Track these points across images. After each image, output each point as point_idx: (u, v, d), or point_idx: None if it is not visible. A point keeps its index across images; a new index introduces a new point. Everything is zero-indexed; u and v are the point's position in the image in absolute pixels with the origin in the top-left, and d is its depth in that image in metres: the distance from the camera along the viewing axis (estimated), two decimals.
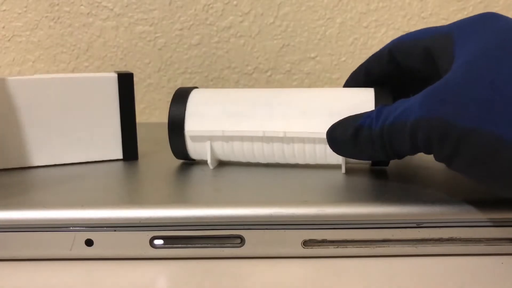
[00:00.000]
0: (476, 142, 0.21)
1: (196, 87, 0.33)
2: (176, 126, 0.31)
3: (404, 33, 0.30)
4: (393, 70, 0.30)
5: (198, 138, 0.31)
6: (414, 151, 0.24)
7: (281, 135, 0.30)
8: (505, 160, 0.20)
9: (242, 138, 0.30)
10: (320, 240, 0.24)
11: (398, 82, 0.31)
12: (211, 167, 0.32)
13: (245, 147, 0.31)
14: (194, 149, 0.32)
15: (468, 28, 0.25)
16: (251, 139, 0.30)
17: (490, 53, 0.22)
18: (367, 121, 0.26)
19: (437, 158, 0.23)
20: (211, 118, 0.31)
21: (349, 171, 0.31)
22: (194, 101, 0.31)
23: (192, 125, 0.31)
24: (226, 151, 0.31)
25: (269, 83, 0.55)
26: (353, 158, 0.29)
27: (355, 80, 0.32)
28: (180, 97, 0.32)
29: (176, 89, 0.32)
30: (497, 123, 0.20)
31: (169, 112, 0.31)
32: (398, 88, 0.31)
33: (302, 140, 0.30)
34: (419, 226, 0.24)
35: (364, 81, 0.32)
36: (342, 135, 0.27)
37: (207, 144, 0.31)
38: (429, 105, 0.22)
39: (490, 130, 0.20)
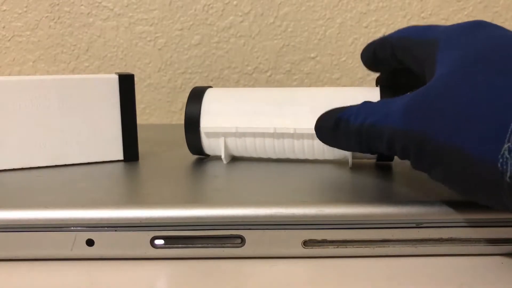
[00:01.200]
0: (448, 157, 0.21)
1: (211, 87, 0.34)
2: (192, 123, 0.32)
3: (408, 26, 0.30)
4: (396, 61, 0.30)
5: (212, 135, 0.32)
6: (390, 154, 0.25)
7: (291, 131, 0.31)
8: (473, 175, 0.21)
9: (254, 135, 0.32)
10: (320, 240, 0.25)
11: (404, 74, 0.31)
12: (224, 162, 0.33)
13: (257, 143, 0.32)
14: (209, 145, 0.33)
15: (453, 36, 0.25)
16: (263, 135, 0.32)
17: (468, 67, 0.22)
18: (346, 114, 0.26)
19: (414, 168, 0.24)
20: (225, 116, 0.32)
21: (355, 167, 0.32)
22: (209, 99, 0.33)
23: (207, 122, 0.32)
24: (239, 147, 0.33)
25: (269, 83, 0.55)
26: (336, 148, 0.29)
27: (367, 55, 0.32)
28: (196, 96, 0.33)
29: (192, 88, 0.34)
30: (466, 139, 0.21)
31: (185, 110, 0.33)
32: (405, 85, 0.31)
33: (311, 136, 0.31)
34: (418, 226, 0.24)
35: (373, 60, 0.32)
36: (325, 126, 0.28)
37: (221, 140, 0.32)
38: (407, 117, 0.23)
39: (459, 146, 0.21)
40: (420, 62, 0.27)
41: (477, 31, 0.24)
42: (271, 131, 0.31)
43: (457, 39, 0.24)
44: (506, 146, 0.19)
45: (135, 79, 0.34)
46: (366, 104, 0.26)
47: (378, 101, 0.26)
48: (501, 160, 0.19)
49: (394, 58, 0.30)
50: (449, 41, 0.25)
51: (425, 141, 0.22)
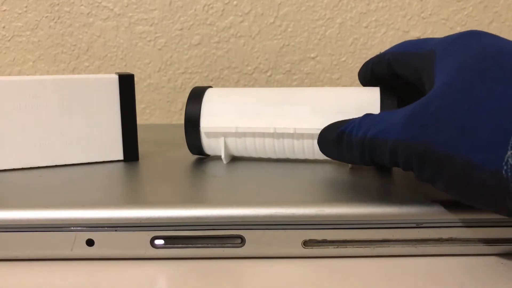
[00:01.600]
0: (451, 167, 0.21)
1: (211, 87, 0.34)
2: (192, 123, 0.32)
3: (403, 41, 0.30)
4: (393, 76, 0.31)
5: (212, 135, 0.32)
6: (393, 166, 0.25)
7: (291, 131, 0.31)
8: (478, 183, 0.21)
9: (254, 135, 0.32)
10: (320, 240, 0.25)
11: (401, 84, 0.31)
12: (224, 162, 0.33)
13: (257, 143, 0.32)
14: (209, 145, 0.33)
15: (449, 47, 0.25)
16: (263, 135, 0.32)
17: (466, 76, 0.22)
18: (349, 128, 0.26)
19: (418, 179, 0.24)
20: (225, 116, 0.32)
21: (355, 167, 0.32)
22: (209, 99, 0.33)
23: (207, 122, 0.32)
24: (239, 147, 0.33)
25: (269, 83, 0.55)
26: (339, 161, 0.29)
27: (364, 74, 0.33)
28: (196, 96, 0.33)
29: (192, 88, 0.34)
30: (469, 149, 0.21)
31: (185, 110, 0.33)
32: (405, 87, 0.31)
33: (311, 136, 0.31)
34: (419, 226, 0.24)
35: (371, 77, 0.32)
36: (327, 139, 0.28)
37: (221, 140, 0.32)
38: (409, 129, 0.23)
39: (463, 156, 0.21)
40: (418, 74, 0.27)
41: (472, 41, 0.24)
42: (271, 131, 0.31)
43: (453, 49, 0.24)
44: (509, 153, 0.19)
45: (135, 79, 0.34)
46: (368, 116, 0.26)
47: (379, 113, 0.26)
48: (505, 167, 0.20)
49: (391, 74, 0.30)
50: (445, 52, 0.25)
51: (427, 151, 0.22)
